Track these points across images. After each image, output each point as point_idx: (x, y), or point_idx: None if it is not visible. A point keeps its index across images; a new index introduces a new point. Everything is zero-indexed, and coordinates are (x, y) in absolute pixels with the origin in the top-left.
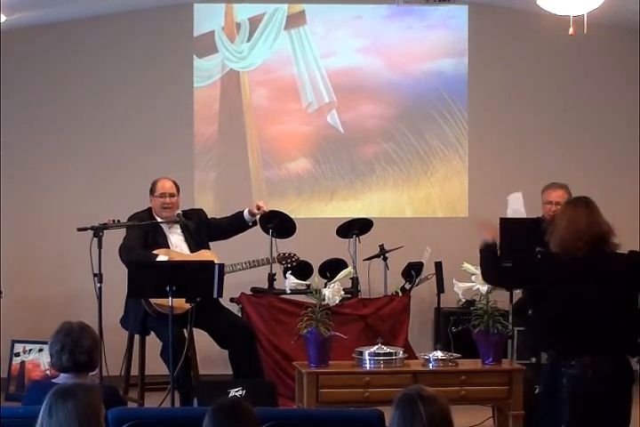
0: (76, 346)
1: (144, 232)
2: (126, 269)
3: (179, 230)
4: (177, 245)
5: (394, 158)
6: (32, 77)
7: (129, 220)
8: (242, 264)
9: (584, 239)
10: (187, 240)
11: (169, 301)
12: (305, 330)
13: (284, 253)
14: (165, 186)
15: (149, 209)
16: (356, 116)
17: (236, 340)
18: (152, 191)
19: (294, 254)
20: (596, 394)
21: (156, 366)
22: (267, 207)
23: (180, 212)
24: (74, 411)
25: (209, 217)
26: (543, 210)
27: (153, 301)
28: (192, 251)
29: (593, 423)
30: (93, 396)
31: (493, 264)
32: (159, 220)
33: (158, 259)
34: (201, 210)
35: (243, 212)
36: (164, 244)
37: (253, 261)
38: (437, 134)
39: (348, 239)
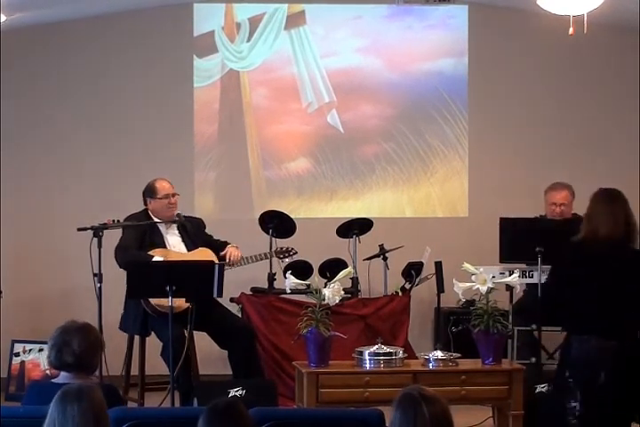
0: (65, 346)
1: (140, 233)
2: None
3: (176, 231)
4: (174, 246)
5: (394, 158)
6: (32, 77)
7: (125, 221)
8: (241, 260)
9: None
10: (184, 240)
11: (169, 300)
12: (305, 330)
13: (282, 248)
14: (166, 187)
15: (145, 210)
16: (356, 116)
17: (236, 340)
18: (152, 194)
19: (292, 248)
20: (597, 367)
21: (156, 366)
22: (235, 257)
23: (180, 212)
24: (89, 410)
25: (208, 231)
26: (547, 211)
27: (152, 300)
28: (189, 251)
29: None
30: (99, 395)
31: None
32: (157, 220)
33: (154, 260)
34: (200, 219)
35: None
36: (162, 244)
37: (252, 256)
38: (437, 134)
39: (348, 239)
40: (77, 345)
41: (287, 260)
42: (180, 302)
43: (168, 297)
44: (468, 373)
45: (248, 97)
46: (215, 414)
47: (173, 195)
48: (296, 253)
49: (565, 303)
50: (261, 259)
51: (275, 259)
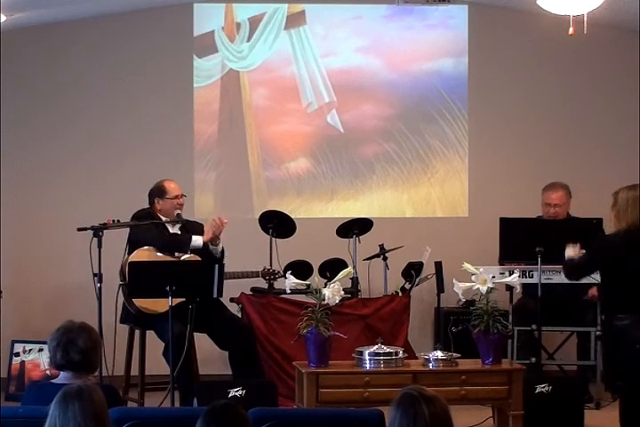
0: (71, 344)
1: (151, 228)
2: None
3: (177, 229)
4: None
5: (394, 158)
6: (32, 77)
7: (135, 216)
8: (227, 274)
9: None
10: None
11: (169, 300)
12: (305, 330)
13: (269, 269)
14: (176, 187)
15: (151, 209)
16: (356, 115)
17: (236, 341)
18: (162, 194)
19: (278, 271)
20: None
21: (157, 366)
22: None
23: (179, 212)
24: (90, 410)
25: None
26: (542, 211)
27: (136, 302)
28: (191, 251)
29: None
30: (100, 394)
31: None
32: (163, 219)
33: (194, 238)
34: (202, 225)
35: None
36: None
37: (239, 272)
38: (437, 134)
39: (348, 239)
40: (83, 343)
41: (272, 282)
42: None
43: (168, 297)
44: (468, 373)
45: (248, 97)
46: (212, 415)
47: (182, 196)
48: (281, 276)
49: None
50: (247, 277)
51: (275, 259)
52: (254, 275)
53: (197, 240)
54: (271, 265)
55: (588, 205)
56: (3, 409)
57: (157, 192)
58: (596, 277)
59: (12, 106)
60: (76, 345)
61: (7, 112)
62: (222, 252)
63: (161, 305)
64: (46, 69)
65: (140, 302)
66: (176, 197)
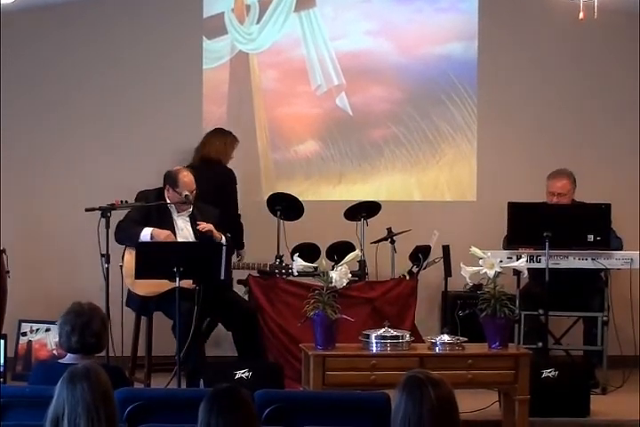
0: (86, 328)
1: (146, 211)
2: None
3: (186, 215)
4: (182, 228)
5: (402, 142)
6: (36, 53)
7: (136, 197)
8: (238, 264)
9: None
10: (193, 226)
11: (176, 282)
12: (312, 312)
13: (280, 264)
14: (189, 183)
15: (160, 189)
16: (365, 98)
17: (238, 322)
18: (173, 185)
19: (291, 267)
20: None
21: (164, 346)
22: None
23: (187, 193)
24: (97, 389)
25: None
26: (546, 198)
27: (138, 290)
28: (197, 237)
29: None
30: (105, 374)
31: None
32: (168, 201)
33: (142, 234)
34: (217, 211)
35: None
36: (170, 225)
37: (251, 263)
38: (446, 118)
39: (355, 222)
40: (96, 326)
41: (284, 277)
42: (159, 285)
43: (175, 278)
44: (475, 357)
45: (257, 79)
46: (215, 399)
47: (193, 191)
48: (291, 273)
49: None
50: (257, 268)
51: (282, 241)
52: (261, 267)
53: (146, 235)
54: (278, 248)
55: (597, 190)
56: (10, 389)
57: (170, 181)
58: (603, 262)
59: (15, 86)
60: (91, 329)
61: (9, 93)
62: (228, 242)
63: (159, 286)
64: (53, 51)
65: (141, 289)
66: (186, 195)
